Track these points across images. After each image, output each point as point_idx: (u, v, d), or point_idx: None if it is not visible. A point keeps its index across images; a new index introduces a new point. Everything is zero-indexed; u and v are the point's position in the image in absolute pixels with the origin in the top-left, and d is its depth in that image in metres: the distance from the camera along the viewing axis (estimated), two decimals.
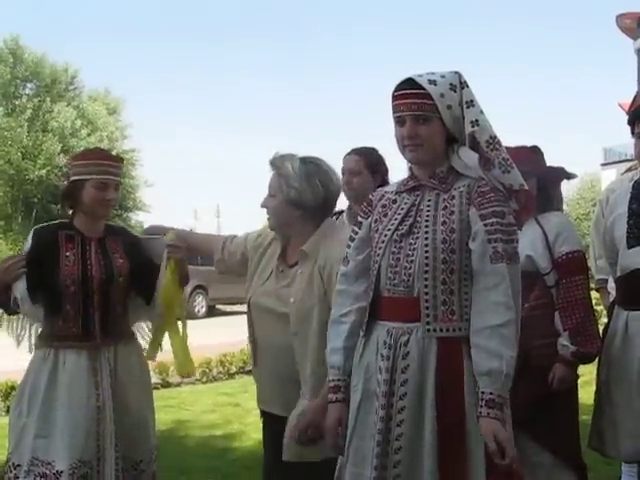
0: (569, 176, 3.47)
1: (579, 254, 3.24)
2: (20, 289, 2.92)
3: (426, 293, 2.25)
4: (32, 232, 3.08)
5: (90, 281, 2.98)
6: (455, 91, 2.30)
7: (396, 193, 2.44)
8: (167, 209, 65.20)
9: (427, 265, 2.25)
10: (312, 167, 2.76)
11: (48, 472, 2.87)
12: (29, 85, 35.75)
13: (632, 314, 3.19)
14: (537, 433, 3.11)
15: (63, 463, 2.86)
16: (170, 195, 75.90)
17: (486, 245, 2.23)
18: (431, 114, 2.28)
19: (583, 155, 74.03)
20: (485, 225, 2.23)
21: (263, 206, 2.83)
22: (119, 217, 36.15)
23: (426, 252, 2.26)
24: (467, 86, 2.32)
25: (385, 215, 2.42)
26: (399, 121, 2.34)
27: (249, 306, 2.90)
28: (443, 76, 2.31)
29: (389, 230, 2.37)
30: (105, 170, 2.99)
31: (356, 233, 2.49)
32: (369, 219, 2.47)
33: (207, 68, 75.78)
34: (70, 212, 3.08)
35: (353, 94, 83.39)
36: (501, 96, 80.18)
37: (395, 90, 2.34)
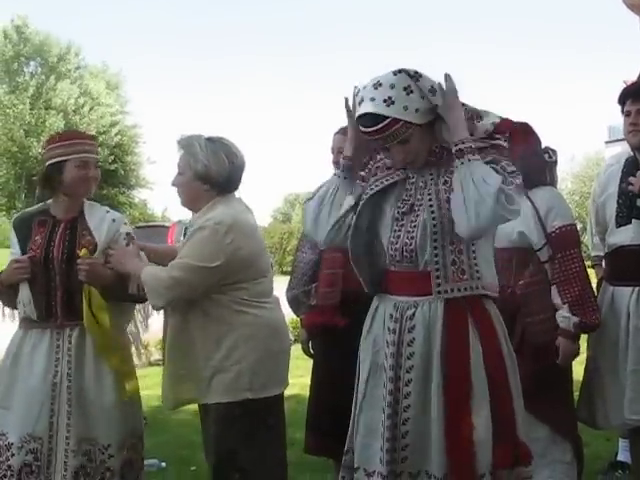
0: (550, 156, 3.43)
1: (572, 227, 3.23)
2: (24, 293, 2.97)
3: (436, 255, 2.30)
4: (12, 225, 3.15)
5: (51, 261, 2.97)
6: (412, 91, 2.25)
7: (395, 172, 2.46)
8: (170, 186, 65.16)
9: (435, 226, 2.29)
10: (218, 144, 2.89)
11: (1, 443, 2.92)
12: (32, 63, 35.67)
13: (617, 289, 3.25)
14: (535, 408, 3.11)
15: (14, 435, 2.89)
16: (174, 172, 75.84)
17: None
18: (409, 130, 2.27)
19: (588, 133, 73.83)
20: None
21: (173, 185, 2.96)
22: (122, 194, 36.18)
23: (432, 212, 2.30)
24: (420, 76, 2.27)
25: (375, 175, 2.47)
26: (384, 148, 2.37)
27: None
28: (392, 85, 2.24)
29: (388, 208, 2.41)
30: (84, 149, 3.02)
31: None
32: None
33: (210, 43, 75.41)
34: (48, 199, 3.09)
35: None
36: (506, 73, 79.75)
37: (360, 125, 2.32)
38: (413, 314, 2.33)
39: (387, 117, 2.24)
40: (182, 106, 78.81)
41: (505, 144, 2.35)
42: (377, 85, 2.26)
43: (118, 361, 2.96)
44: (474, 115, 2.36)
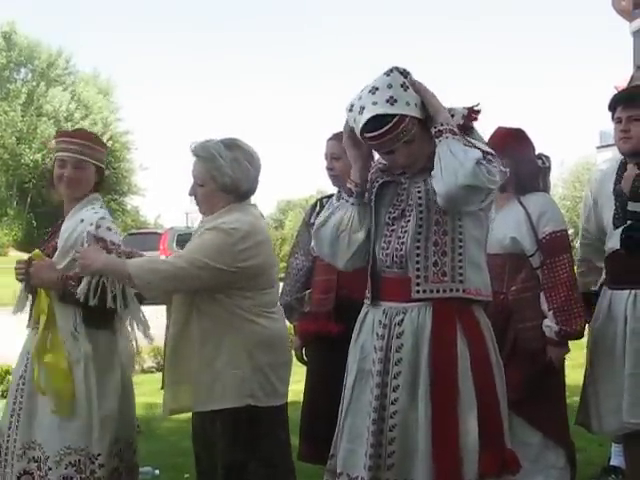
0: (544, 165, 3.44)
1: (562, 233, 3.23)
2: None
3: (417, 255, 2.30)
4: None
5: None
6: (408, 87, 2.29)
7: (388, 175, 2.47)
8: (163, 193, 65.18)
9: (421, 227, 2.30)
10: (236, 150, 2.79)
11: None
12: (23, 70, 35.61)
13: (615, 293, 3.24)
14: (527, 413, 3.13)
15: None
16: (166, 179, 75.81)
17: None
18: (414, 128, 2.29)
19: (579, 138, 74.21)
20: None
21: (191, 195, 2.85)
22: (114, 201, 36.10)
23: (420, 212, 2.31)
24: (408, 73, 2.32)
25: (377, 195, 2.46)
26: (388, 153, 2.35)
27: None
28: (390, 85, 2.27)
29: (382, 213, 2.41)
30: (63, 147, 3.01)
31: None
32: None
33: (201, 47, 75.38)
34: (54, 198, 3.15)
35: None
36: (497, 78, 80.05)
37: (366, 131, 2.29)
38: (402, 320, 2.33)
39: (394, 115, 2.25)
40: (172, 112, 78.81)
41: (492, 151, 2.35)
42: (374, 90, 2.27)
43: (48, 373, 2.84)
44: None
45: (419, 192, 2.34)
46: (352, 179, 2.46)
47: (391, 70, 2.30)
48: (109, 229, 2.94)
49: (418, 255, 2.31)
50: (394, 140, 2.28)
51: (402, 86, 2.27)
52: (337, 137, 3.58)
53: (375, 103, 2.25)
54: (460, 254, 2.31)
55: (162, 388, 2.88)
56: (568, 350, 3.22)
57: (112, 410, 2.95)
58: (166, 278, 2.65)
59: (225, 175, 2.74)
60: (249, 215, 2.78)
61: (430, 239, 2.31)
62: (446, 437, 2.24)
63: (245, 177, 2.78)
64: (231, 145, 2.80)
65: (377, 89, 2.27)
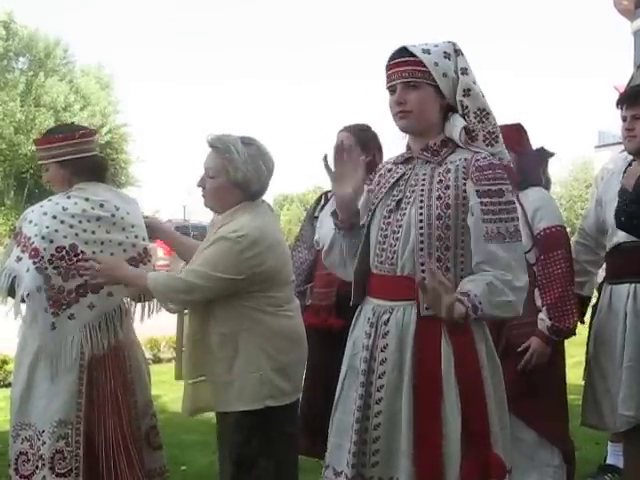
0: (548, 155, 3.46)
1: (558, 229, 3.24)
2: None
3: (422, 271, 2.23)
4: None
5: None
6: (449, 59, 2.30)
7: (393, 163, 2.45)
8: (160, 185, 65.09)
9: (422, 242, 2.25)
10: (254, 149, 2.78)
11: None
12: (22, 59, 35.49)
13: (615, 287, 3.25)
14: (521, 410, 3.11)
15: None
16: (163, 171, 75.75)
17: (481, 224, 2.21)
18: (422, 80, 2.27)
19: (578, 137, 74.32)
20: (481, 203, 2.21)
21: (200, 186, 2.83)
22: None
23: (421, 228, 2.25)
24: (462, 54, 2.33)
25: (378, 184, 2.44)
26: (391, 90, 2.33)
27: None
28: (437, 45, 2.31)
29: (378, 204, 2.38)
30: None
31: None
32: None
33: (199, 41, 75.23)
34: None
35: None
36: (495, 76, 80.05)
37: (388, 60, 2.34)
38: (388, 319, 2.29)
39: (414, 56, 2.27)
40: (169, 104, 78.64)
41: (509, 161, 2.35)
42: (425, 43, 2.31)
43: None
44: (482, 111, 2.32)
45: (421, 207, 2.27)
46: (339, 216, 2.41)
47: (450, 41, 2.35)
48: (30, 222, 2.94)
49: (423, 272, 2.22)
50: (397, 75, 2.29)
51: (445, 53, 2.30)
52: (348, 129, 3.60)
53: (414, 46, 2.29)
54: (462, 269, 2.26)
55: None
56: (549, 352, 3.19)
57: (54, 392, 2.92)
58: (180, 292, 2.71)
59: (239, 170, 2.73)
60: (258, 218, 2.76)
61: (432, 255, 2.24)
62: (428, 441, 2.20)
63: (257, 176, 2.77)
64: (248, 142, 2.79)
65: (427, 44, 2.31)
